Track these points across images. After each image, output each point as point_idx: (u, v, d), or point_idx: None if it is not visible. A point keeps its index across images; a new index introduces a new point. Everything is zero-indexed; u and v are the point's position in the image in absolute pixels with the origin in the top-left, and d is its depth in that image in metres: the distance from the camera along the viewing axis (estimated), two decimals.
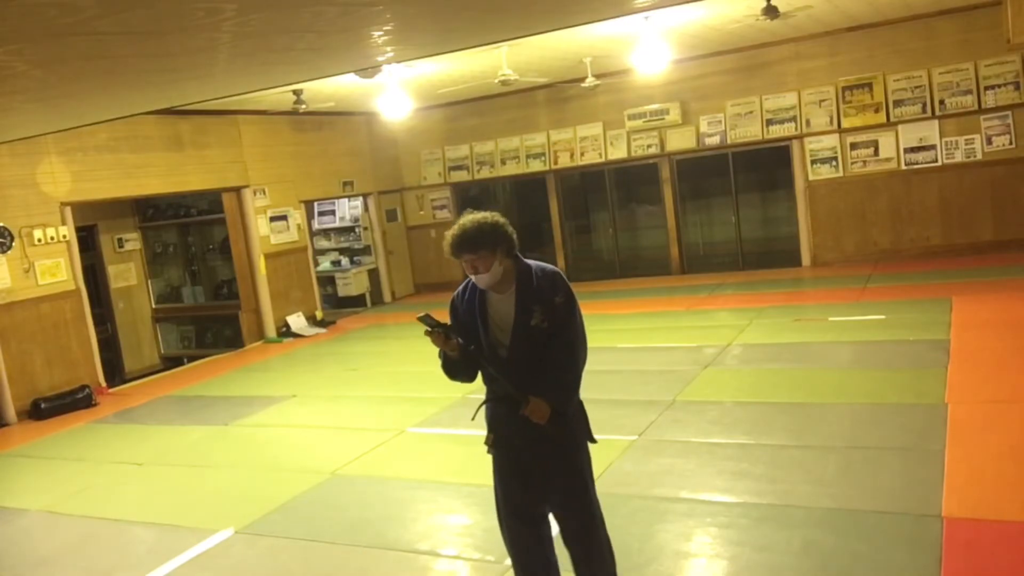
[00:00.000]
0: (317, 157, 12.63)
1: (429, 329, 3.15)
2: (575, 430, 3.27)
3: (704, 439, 5.50)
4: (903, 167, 10.99)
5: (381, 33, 4.25)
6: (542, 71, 10.32)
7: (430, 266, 14.16)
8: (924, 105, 10.74)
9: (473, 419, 3.38)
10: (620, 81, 11.74)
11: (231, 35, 3.63)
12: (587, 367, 3.28)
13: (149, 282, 12.41)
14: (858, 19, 10.30)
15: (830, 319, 8.51)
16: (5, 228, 8.57)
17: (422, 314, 3.18)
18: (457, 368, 3.28)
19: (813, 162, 11.45)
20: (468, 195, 13.94)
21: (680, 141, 12.13)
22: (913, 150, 10.91)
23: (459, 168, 13.77)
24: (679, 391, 6.52)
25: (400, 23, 4.03)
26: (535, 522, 3.34)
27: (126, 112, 6.88)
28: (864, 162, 11.20)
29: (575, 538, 3.30)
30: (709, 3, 7.74)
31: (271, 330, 11.54)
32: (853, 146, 11.21)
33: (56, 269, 9.02)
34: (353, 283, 13.27)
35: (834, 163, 11.33)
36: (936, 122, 10.73)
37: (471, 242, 3.11)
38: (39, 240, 8.84)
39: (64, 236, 9.11)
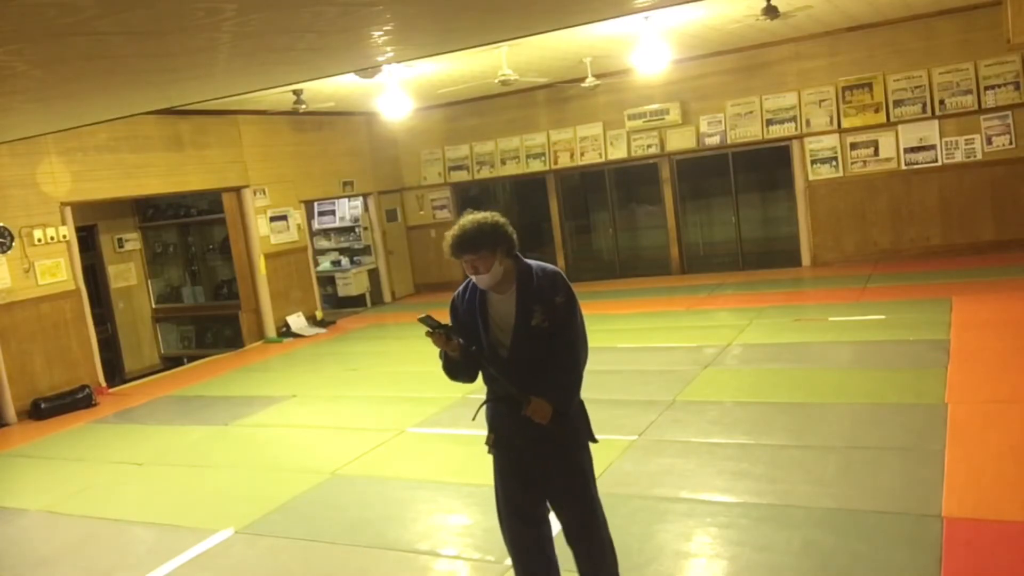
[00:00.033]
0: (317, 157, 12.63)
1: (430, 330, 3.15)
2: (577, 430, 3.27)
3: (704, 439, 5.50)
4: (903, 167, 10.99)
5: (381, 33, 4.25)
6: (542, 71, 10.32)
7: (430, 266, 14.16)
8: (924, 105, 10.74)
9: (474, 419, 3.38)
10: (620, 81, 11.74)
11: (231, 35, 3.63)
12: (587, 367, 3.28)
13: (149, 282, 12.41)
14: (858, 19, 10.30)
15: (830, 319, 8.51)
16: (5, 228, 8.57)
17: (423, 315, 3.18)
18: (458, 369, 3.28)
19: (813, 162, 11.45)
20: (468, 195, 13.94)
21: (680, 141, 12.13)
22: (913, 150, 10.91)
23: (459, 168, 13.77)
24: (679, 391, 6.52)
25: (400, 23, 4.03)
26: (536, 522, 3.34)
27: (126, 112, 6.87)
28: (864, 162, 11.20)
29: (577, 538, 3.30)
30: (709, 3, 7.74)
31: (271, 330, 11.54)
32: (853, 146, 11.21)
33: (56, 269, 9.02)
34: (353, 283, 13.27)
35: (834, 163, 11.33)
36: (936, 122, 10.73)
37: (471, 242, 3.11)
38: (39, 240, 8.85)
39: (64, 236, 9.11)
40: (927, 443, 4.88)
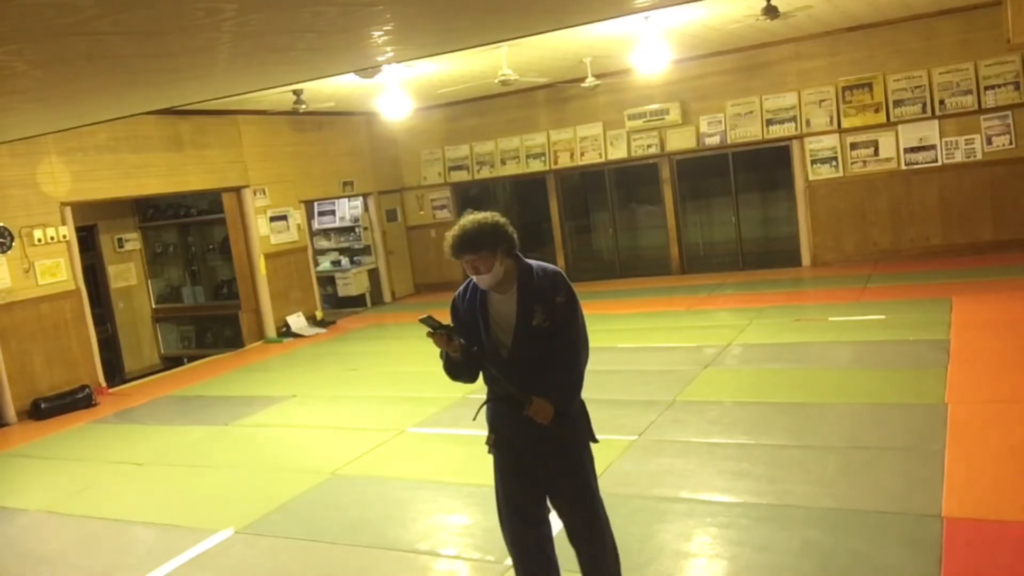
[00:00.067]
0: (317, 157, 12.63)
1: (431, 331, 3.15)
2: (578, 429, 3.27)
3: (704, 439, 5.50)
4: (903, 167, 10.99)
5: (381, 33, 4.25)
6: (542, 71, 10.32)
7: (430, 266, 14.16)
8: (924, 105, 10.74)
9: (475, 419, 3.38)
10: (620, 81, 11.74)
11: (231, 35, 3.63)
12: (588, 367, 3.27)
13: (149, 282, 12.41)
14: (858, 19, 10.30)
15: (830, 319, 8.51)
16: (5, 228, 8.57)
17: (424, 316, 3.18)
18: (459, 369, 3.27)
19: (813, 162, 11.45)
20: (468, 195, 13.94)
21: (680, 141, 12.13)
22: (913, 150, 10.91)
23: (459, 168, 13.77)
24: (679, 391, 6.52)
25: (400, 23, 4.03)
26: (536, 522, 3.34)
27: (126, 112, 6.87)
28: (864, 162, 11.20)
29: (579, 537, 3.30)
30: (709, 3, 7.74)
31: (271, 330, 11.54)
32: (853, 146, 11.21)
33: (56, 269, 9.02)
34: (353, 283, 13.27)
35: (834, 163, 11.33)
36: (936, 122, 10.73)
37: (472, 242, 3.11)
38: (39, 240, 8.85)
39: (64, 236, 9.11)
40: (927, 443, 4.88)
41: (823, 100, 11.26)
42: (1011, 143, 10.41)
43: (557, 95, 12.59)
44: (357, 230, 13.84)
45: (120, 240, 11.91)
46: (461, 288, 3.37)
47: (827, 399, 6.00)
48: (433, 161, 13.94)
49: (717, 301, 10.28)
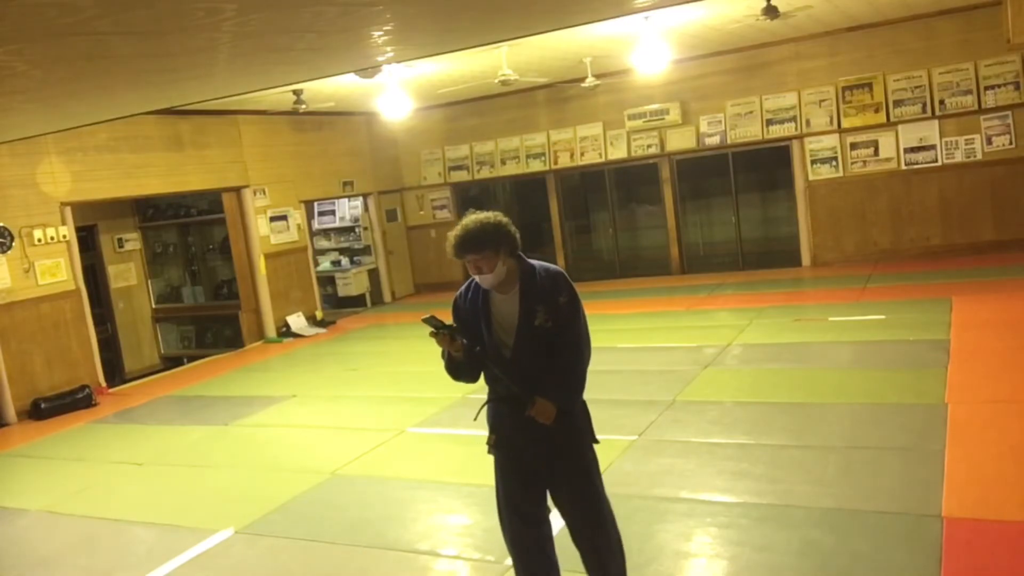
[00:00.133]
0: (317, 157, 12.63)
1: (434, 330, 3.15)
2: (580, 429, 3.27)
3: (704, 439, 5.50)
4: (903, 167, 10.99)
5: (381, 33, 4.25)
6: (542, 71, 10.32)
7: (430, 266, 14.16)
8: (924, 105, 10.74)
9: (475, 419, 3.38)
10: (620, 81, 11.74)
11: (231, 35, 3.63)
12: (588, 367, 3.28)
13: (149, 282, 12.41)
14: (858, 19, 10.30)
15: (830, 319, 8.51)
16: (5, 228, 8.57)
17: (427, 315, 3.18)
18: (461, 369, 3.27)
19: (813, 162, 11.45)
20: (468, 195, 13.94)
21: (680, 141, 12.13)
22: (913, 150, 10.91)
23: (459, 168, 13.77)
24: (679, 391, 6.52)
25: (400, 23, 4.03)
26: (536, 522, 3.34)
27: (126, 112, 6.87)
28: (864, 162, 11.20)
29: (582, 537, 3.30)
30: (709, 3, 7.74)
31: (271, 330, 11.54)
32: (853, 146, 11.21)
33: (56, 269, 9.02)
34: (353, 283, 13.27)
35: (834, 163, 11.33)
36: (936, 122, 10.73)
37: (474, 242, 3.11)
38: (39, 240, 8.85)
39: (64, 236, 9.11)
40: (927, 443, 4.88)
41: (823, 100, 11.26)
42: (1011, 143, 10.41)
43: (557, 95, 12.59)
44: (357, 230, 13.84)
45: (120, 240, 11.91)
46: (463, 288, 3.37)
47: (827, 399, 6.00)
48: (433, 161, 13.94)
49: (717, 301, 10.28)
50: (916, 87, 10.75)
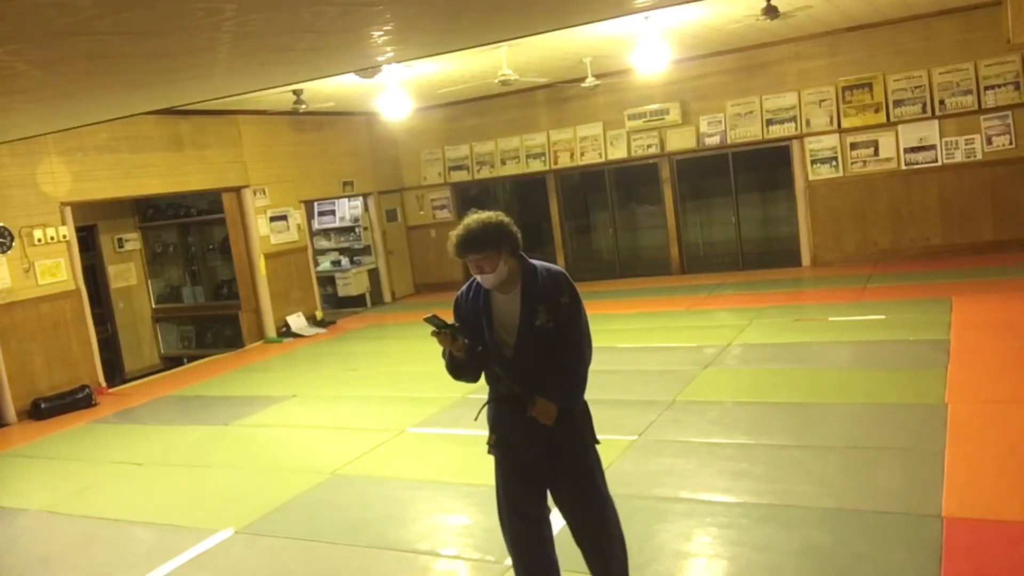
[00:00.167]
0: (317, 157, 12.63)
1: (436, 330, 3.15)
2: (581, 430, 3.27)
3: (704, 439, 5.50)
4: (903, 167, 10.99)
5: (381, 33, 4.25)
6: (542, 71, 10.32)
7: (430, 266, 14.17)
8: (924, 105, 10.74)
9: (476, 419, 3.38)
10: (620, 81, 11.74)
11: (231, 35, 3.63)
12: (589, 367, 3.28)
13: (149, 282, 12.41)
14: (858, 19, 10.31)
15: (830, 319, 8.51)
16: (5, 228, 8.57)
17: (429, 315, 3.18)
18: (462, 369, 3.27)
19: (813, 162, 11.45)
20: (468, 195, 13.94)
21: (680, 141, 12.13)
22: (913, 150, 10.91)
23: (459, 168, 13.77)
24: (679, 391, 6.52)
25: (400, 23, 4.03)
26: (537, 522, 3.34)
27: (126, 112, 6.88)
28: (864, 162, 11.20)
29: (584, 536, 3.30)
30: (709, 3, 7.74)
31: (271, 330, 11.54)
32: (853, 146, 11.21)
33: (56, 269, 9.02)
34: (353, 283, 13.27)
35: (834, 163, 11.33)
36: (936, 122, 10.73)
37: (476, 242, 3.11)
38: (39, 240, 8.85)
39: (64, 236, 9.11)
40: (927, 443, 4.88)
41: (823, 100, 11.26)
42: (1011, 143, 10.41)
43: (557, 95, 12.59)
44: (357, 230, 13.84)
45: (120, 240, 11.91)
46: (464, 287, 3.37)
47: (827, 399, 6.00)
48: (433, 161, 13.94)
49: (717, 301, 10.28)
50: (916, 87, 10.75)
